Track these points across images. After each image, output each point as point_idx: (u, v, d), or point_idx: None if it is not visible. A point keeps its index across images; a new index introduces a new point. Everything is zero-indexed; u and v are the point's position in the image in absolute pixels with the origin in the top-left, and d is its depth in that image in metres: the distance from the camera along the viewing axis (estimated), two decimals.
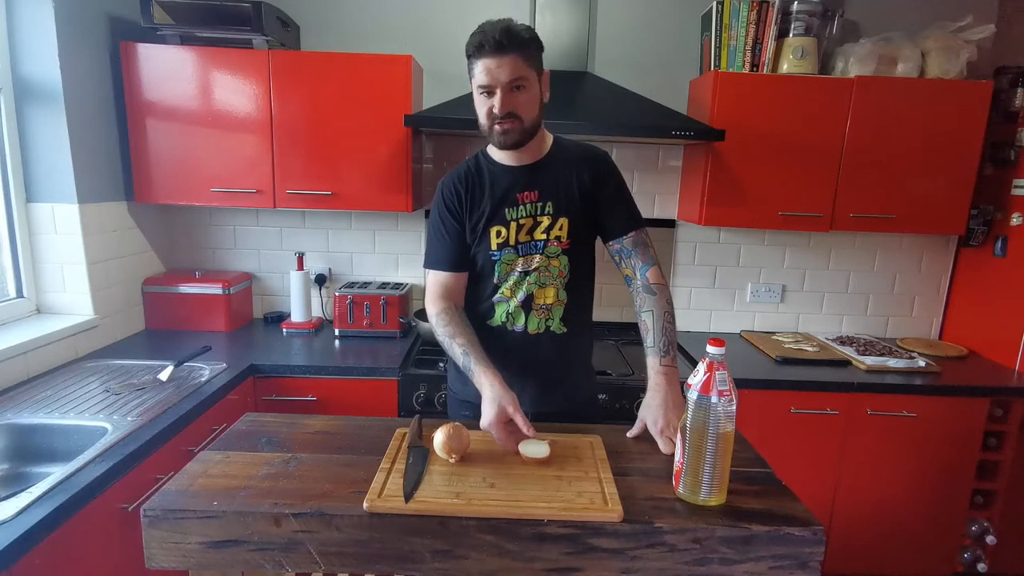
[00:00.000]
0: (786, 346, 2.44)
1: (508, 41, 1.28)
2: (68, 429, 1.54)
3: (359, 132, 2.20)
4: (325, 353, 2.23)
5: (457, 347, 1.36)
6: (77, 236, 2.02)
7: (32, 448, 1.54)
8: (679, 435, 1.04)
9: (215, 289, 2.38)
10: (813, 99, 2.20)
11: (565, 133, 2.16)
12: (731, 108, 2.20)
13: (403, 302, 2.45)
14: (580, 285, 1.48)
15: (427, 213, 2.60)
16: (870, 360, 2.26)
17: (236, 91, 2.16)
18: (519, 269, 1.44)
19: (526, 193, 1.43)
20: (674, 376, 1.32)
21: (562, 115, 2.11)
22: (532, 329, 1.46)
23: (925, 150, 2.25)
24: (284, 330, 2.46)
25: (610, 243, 1.46)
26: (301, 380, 2.08)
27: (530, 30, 1.34)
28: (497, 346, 1.43)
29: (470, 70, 1.34)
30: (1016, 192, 2.29)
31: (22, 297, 2.01)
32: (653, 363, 1.34)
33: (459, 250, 1.47)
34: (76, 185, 1.99)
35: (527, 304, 1.45)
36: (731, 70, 2.27)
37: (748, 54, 2.26)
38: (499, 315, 1.47)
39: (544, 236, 1.43)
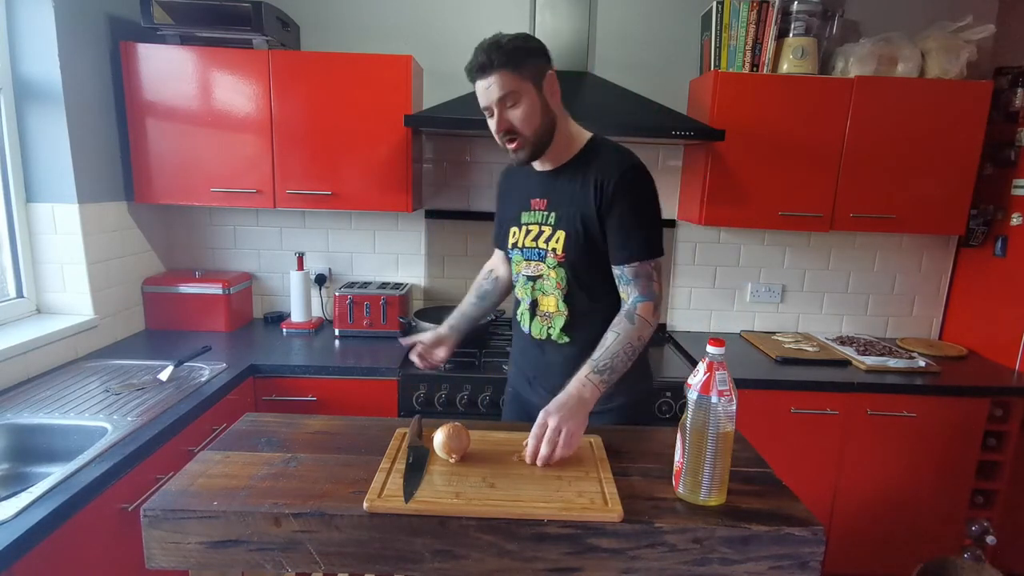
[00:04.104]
0: (786, 346, 2.44)
1: (490, 59, 1.26)
2: (68, 429, 1.54)
3: (359, 132, 2.20)
4: (325, 353, 2.23)
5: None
6: (77, 236, 2.02)
7: (32, 448, 1.54)
8: (679, 435, 1.04)
9: (215, 289, 2.38)
10: (813, 99, 2.20)
11: None
12: (731, 108, 2.20)
13: (403, 302, 2.45)
14: (584, 299, 1.43)
15: (427, 213, 2.61)
16: (870, 360, 2.26)
17: (236, 91, 2.16)
18: (524, 272, 1.48)
19: (537, 200, 1.45)
20: (590, 393, 1.24)
21: None
22: (535, 334, 1.49)
23: (925, 150, 2.25)
24: (284, 330, 2.46)
25: (613, 266, 1.39)
26: (301, 380, 2.08)
27: (517, 38, 1.28)
28: (517, 342, 1.59)
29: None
30: (1016, 192, 2.29)
31: (22, 297, 2.01)
32: (581, 372, 1.28)
33: (502, 233, 1.58)
34: (76, 185, 1.99)
35: (533, 308, 1.48)
36: (731, 70, 2.27)
37: (748, 54, 2.26)
38: (518, 312, 1.55)
39: (545, 245, 1.43)
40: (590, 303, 1.43)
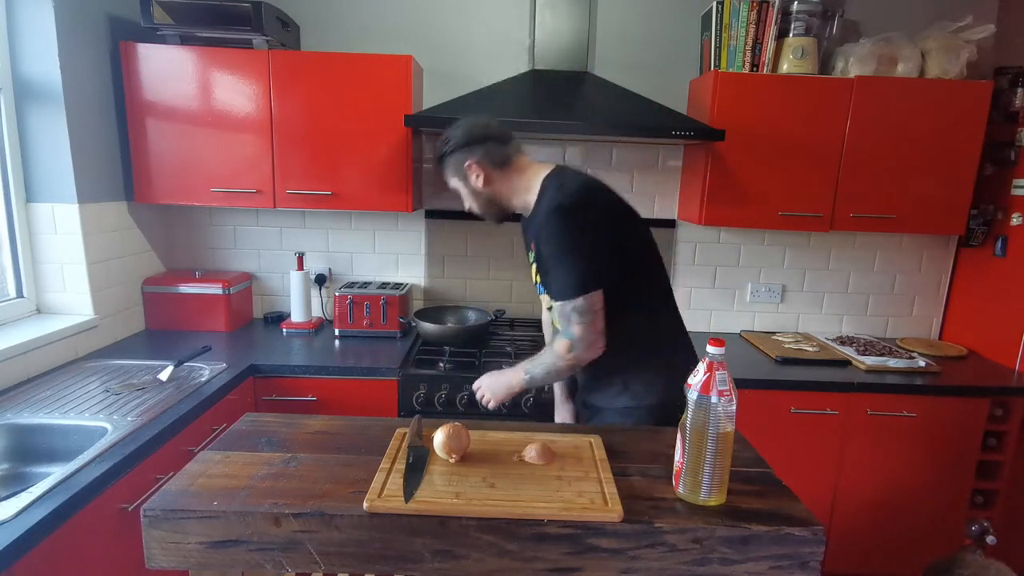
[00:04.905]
0: (786, 346, 2.44)
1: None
2: (68, 429, 1.54)
3: (359, 132, 2.20)
4: (325, 353, 2.23)
5: None
6: (77, 236, 2.02)
7: (32, 448, 1.54)
8: (679, 435, 1.04)
9: (215, 289, 2.38)
10: (813, 99, 2.20)
11: (565, 133, 2.18)
12: (731, 108, 2.20)
13: (403, 302, 2.45)
14: None
15: (427, 213, 2.61)
16: (870, 360, 2.26)
17: (236, 91, 2.16)
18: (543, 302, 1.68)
19: (531, 242, 1.57)
20: (517, 380, 1.55)
21: (562, 115, 2.11)
22: None
23: (925, 150, 2.25)
24: (284, 330, 2.46)
25: None
26: (301, 380, 2.08)
27: (444, 141, 1.51)
28: None
29: None
30: (1016, 192, 2.29)
31: (22, 297, 2.01)
32: (522, 362, 1.54)
33: None
34: (76, 185, 1.99)
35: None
36: (731, 70, 2.27)
37: (748, 54, 2.26)
38: None
39: (540, 281, 1.56)
40: None
